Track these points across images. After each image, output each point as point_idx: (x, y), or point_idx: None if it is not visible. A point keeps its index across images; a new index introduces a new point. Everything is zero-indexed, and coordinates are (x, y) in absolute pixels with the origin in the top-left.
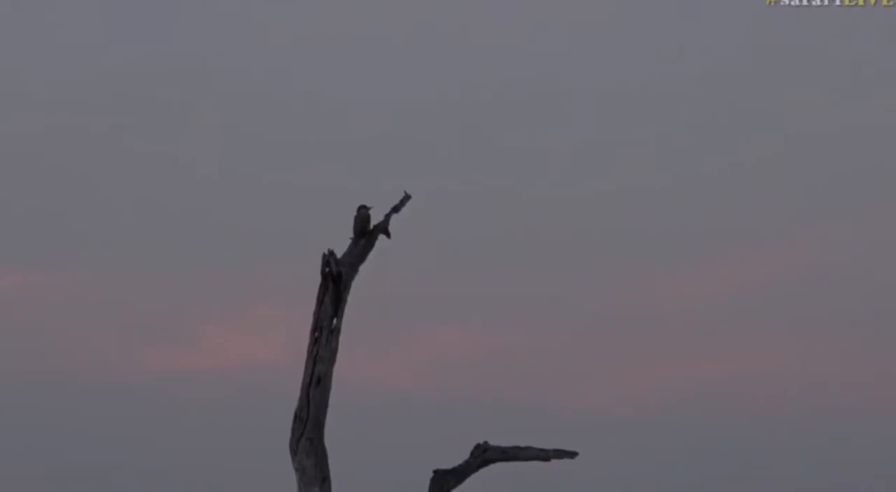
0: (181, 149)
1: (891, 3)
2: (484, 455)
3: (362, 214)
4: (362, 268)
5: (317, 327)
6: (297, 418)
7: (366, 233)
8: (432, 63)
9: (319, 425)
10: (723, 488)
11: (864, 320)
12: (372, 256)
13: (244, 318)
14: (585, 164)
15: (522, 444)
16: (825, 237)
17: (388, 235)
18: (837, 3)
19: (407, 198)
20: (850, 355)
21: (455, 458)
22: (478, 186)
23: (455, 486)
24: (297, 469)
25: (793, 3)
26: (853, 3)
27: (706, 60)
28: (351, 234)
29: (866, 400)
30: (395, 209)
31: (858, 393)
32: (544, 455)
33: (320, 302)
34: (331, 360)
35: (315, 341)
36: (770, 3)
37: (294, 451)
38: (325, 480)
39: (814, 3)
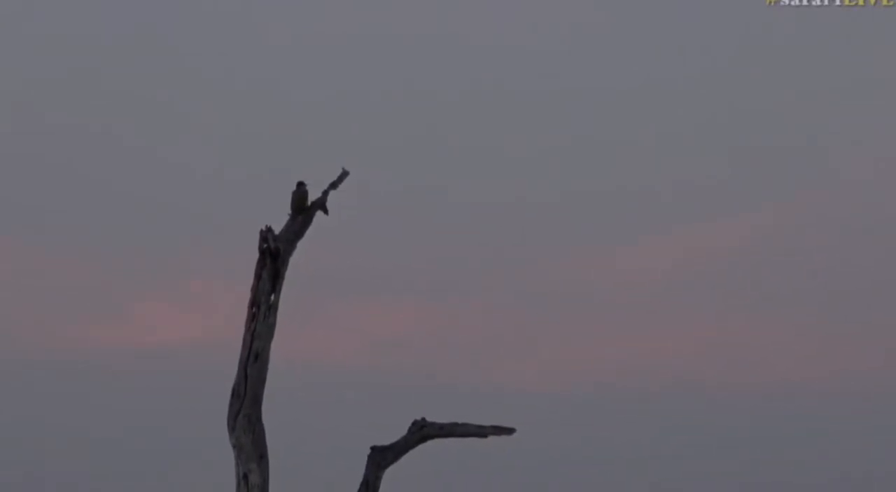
0: (133, 137)
1: (891, 3)
2: (422, 432)
3: (300, 191)
4: (300, 244)
5: (254, 303)
6: (235, 394)
7: (303, 209)
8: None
9: (257, 402)
10: (666, 468)
11: (809, 299)
12: (312, 232)
13: (180, 294)
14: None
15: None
16: (769, 216)
17: (325, 211)
18: (837, 3)
19: (345, 174)
20: (795, 334)
21: (393, 434)
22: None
23: (393, 462)
24: (234, 446)
25: (793, 3)
26: (853, 3)
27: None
28: (288, 210)
29: (812, 379)
30: (333, 186)
31: (805, 372)
32: (482, 432)
33: (258, 278)
34: (268, 336)
35: (253, 317)
36: (770, 3)
37: (231, 428)
38: (262, 457)
39: (814, 3)
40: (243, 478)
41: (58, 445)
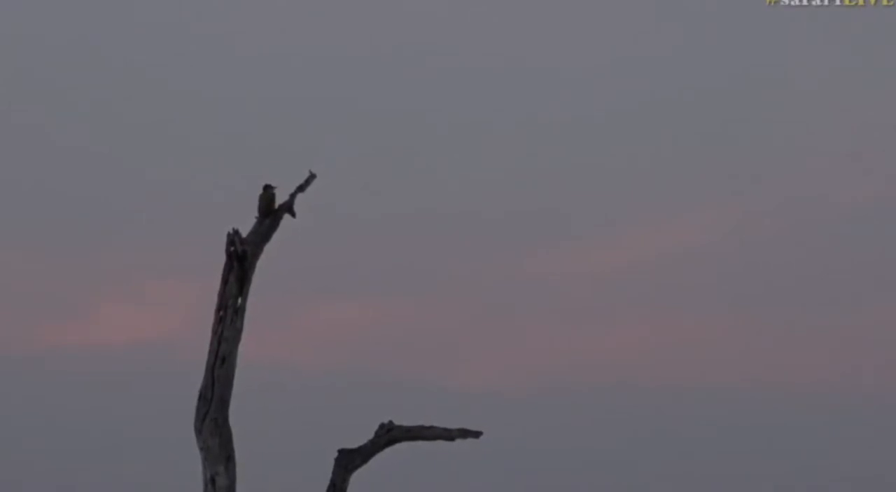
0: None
1: (891, 3)
2: (388, 435)
3: (267, 194)
4: (267, 247)
5: (221, 306)
6: (202, 397)
7: (271, 212)
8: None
9: (224, 405)
10: (638, 468)
11: (780, 299)
12: (280, 234)
13: (139, 294)
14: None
15: (427, 424)
16: (715, 214)
17: (292, 214)
18: (837, 3)
19: (312, 177)
20: (766, 333)
21: (360, 437)
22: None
23: (360, 465)
24: (201, 449)
25: (793, 3)
26: (853, 4)
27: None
28: (256, 213)
29: (760, 377)
30: (301, 189)
31: (754, 372)
32: (448, 435)
33: (225, 281)
34: (235, 339)
35: (220, 321)
36: (770, 3)
37: (199, 430)
38: (230, 459)
39: (814, 2)
40: (210, 481)
41: (13, 439)
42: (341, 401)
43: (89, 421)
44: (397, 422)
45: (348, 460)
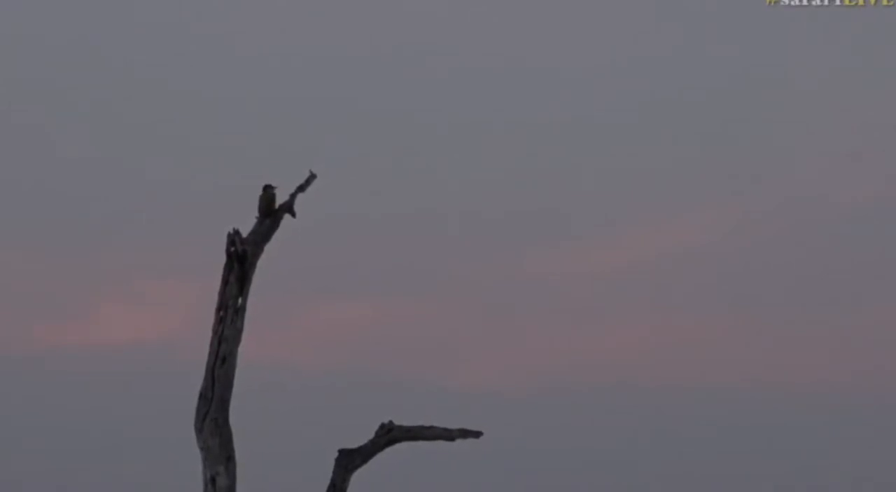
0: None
1: (891, 3)
2: (389, 435)
3: (268, 194)
4: (267, 247)
5: (222, 306)
6: (203, 397)
7: (271, 212)
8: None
9: (224, 405)
10: (626, 467)
11: (756, 298)
12: (278, 235)
13: (139, 294)
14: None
15: (427, 424)
16: (710, 214)
17: (293, 214)
18: (837, 3)
19: (313, 177)
20: (766, 334)
21: (360, 437)
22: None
23: (360, 465)
24: (202, 449)
25: (793, 3)
26: (853, 4)
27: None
28: (256, 213)
29: (760, 377)
30: (301, 188)
31: (754, 372)
32: (449, 435)
33: (225, 281)
34: (236, 339)
35: (220, 321)
36: (770, 3)
37: (199, 430)
38: (230, 459)
39: (814, 2)
40: (211, 481)
41: (9, 440)
42: (341, 401)
43: (89, 421)
44: (397, 422)
45: (348, 460)
